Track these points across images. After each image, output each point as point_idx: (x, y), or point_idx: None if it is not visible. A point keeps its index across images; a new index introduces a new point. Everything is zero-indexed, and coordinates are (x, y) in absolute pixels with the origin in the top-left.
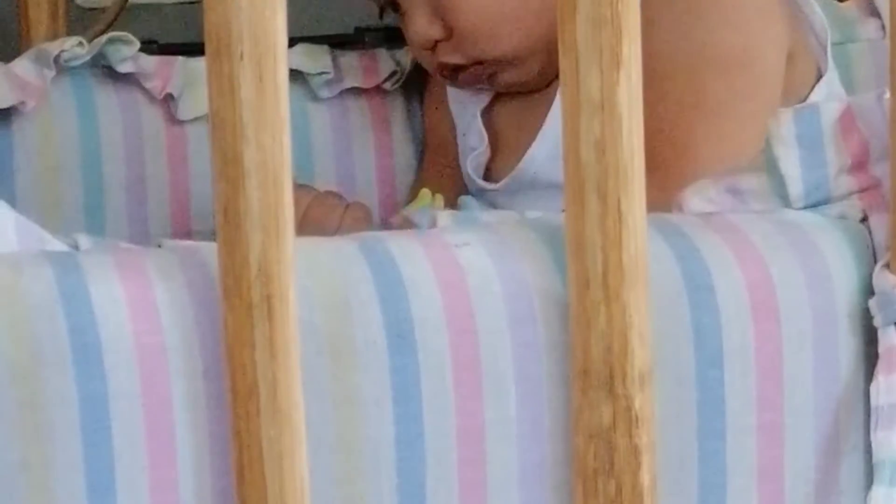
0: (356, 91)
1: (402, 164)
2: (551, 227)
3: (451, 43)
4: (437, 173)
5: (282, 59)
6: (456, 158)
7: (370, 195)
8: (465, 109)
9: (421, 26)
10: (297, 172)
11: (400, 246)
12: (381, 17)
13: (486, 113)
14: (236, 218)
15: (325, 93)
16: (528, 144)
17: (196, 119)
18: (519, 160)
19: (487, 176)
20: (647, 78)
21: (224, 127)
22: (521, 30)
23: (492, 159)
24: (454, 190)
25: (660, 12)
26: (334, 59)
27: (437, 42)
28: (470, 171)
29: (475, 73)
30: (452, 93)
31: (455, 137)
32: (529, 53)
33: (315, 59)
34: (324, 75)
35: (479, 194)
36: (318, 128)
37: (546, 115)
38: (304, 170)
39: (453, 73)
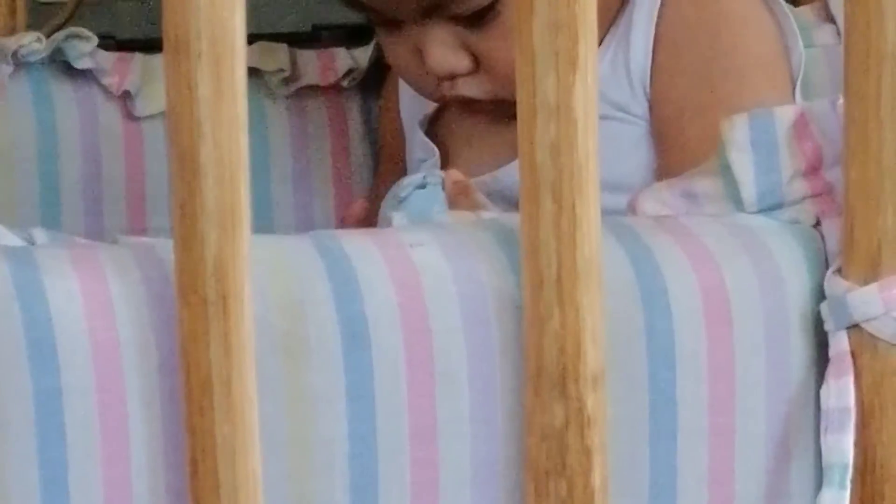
0: (313, 89)
1: (358, 162)
2: (506, 229)
3: (475, 78)
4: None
5: (240, 57)
6: (405, 164)
7: (326, 193)
8: (413, 119)
9: (445, 58)
10: (253, 170)
11: (355, 245)
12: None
13: (432, 123)
14: (192, 215)
15: (282, 90)
16: (502, 154)
17: (153, 116)
18: (492, 168)
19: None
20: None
21: (181, 125)
22: None
23: (445, 167)
24: None
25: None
26: (291, 57)
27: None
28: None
29: (486, 107)
30: (405, 102)
31: (404, 144)
32: None
33: (272, 57)
34: (281, 73)
35: None
36: (274, 126)
37: None
38: (260, 168)
39: (463, 105)
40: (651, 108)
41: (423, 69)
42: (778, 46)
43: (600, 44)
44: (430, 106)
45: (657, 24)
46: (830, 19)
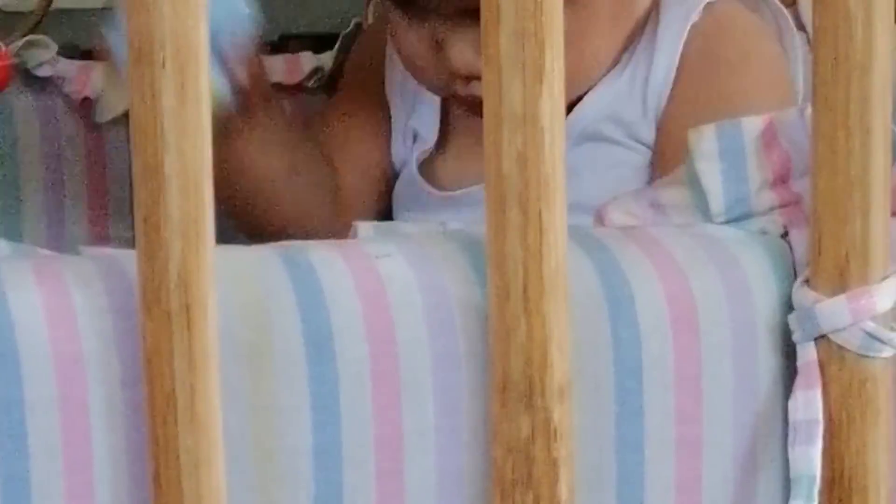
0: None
1: None
2: (472, 239)
3: None
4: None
5: (204, 67)
6: (380, 144)
7: None
8: (416, 95)
9: (470, 58)
10: None
11: (320, 256)
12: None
13: (445, 108)
14: (156, 226)
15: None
16: None
17: (114, 123)
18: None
19: (430, 178)
20: None
21: (145, 134)
22: (586, 81)
23: (441, 161)
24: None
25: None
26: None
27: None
28: (413, 167)
29: None
30: (402, 80)
31: (383, 121)
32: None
33: None
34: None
35: (415, 197)
36: None
37: None
38: None
39: (470, 106)
40: (657, 133)
41: (436, 63)
42: (791, 91)
43: (618, 61)
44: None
45: (682, 52)
46: (801, 28)
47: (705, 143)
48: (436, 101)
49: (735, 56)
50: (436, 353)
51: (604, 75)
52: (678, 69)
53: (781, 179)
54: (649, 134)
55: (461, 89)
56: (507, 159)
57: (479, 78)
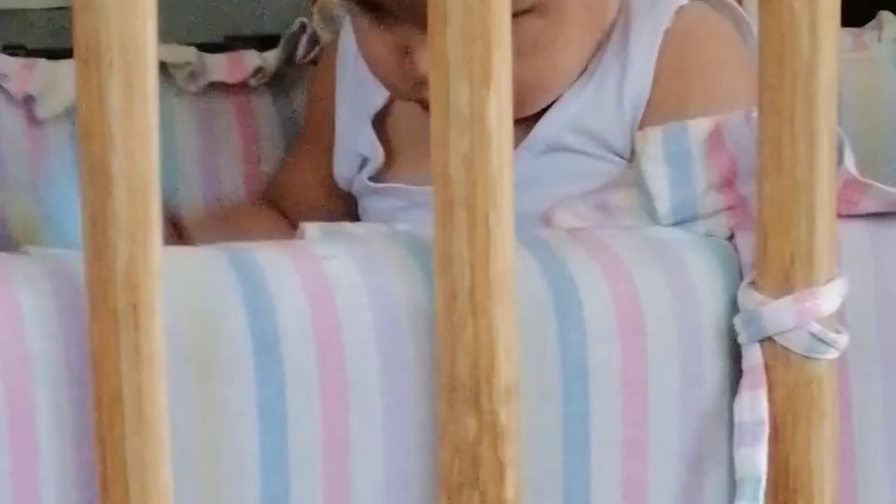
0: (221, 88)
1: (267, 164)
2: (420, 241)
3: None
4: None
5: (151, 67)
6: (328, 154)
7: (237, 196)
8: (354, 112)
9: None
10: (162, 177)
11: (268, 257)
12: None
13: (380, 119)
14: (103, 227)
15: (190, 86)
16: None
17: (56, 119)
18: None
19: (381, 180)
20: None
21: (92, 135)
22: (555, 90)
23: (389, 165)
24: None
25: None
26: (199, 57)
27: None
28: (364, 177)
29: None
30: (345, 90)
31: (331, 132)
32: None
33: (180, 53)
34: (188, 66)
35: (366, 196)
36: (182, 129)
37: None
38: (168, 172)
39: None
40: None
41: (401, 67)
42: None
43: (585, 69)
44: (379, 100)
45: (658, 58)
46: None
47: (652, 145)
48: (370, 113)
49: (713, 61)
50: (383, 355)
51: (570, 85)
52: (655, 76)
53: (728, 182)
54: (625, 143)
55: (427, 95)
56: (454, 161)
57: None
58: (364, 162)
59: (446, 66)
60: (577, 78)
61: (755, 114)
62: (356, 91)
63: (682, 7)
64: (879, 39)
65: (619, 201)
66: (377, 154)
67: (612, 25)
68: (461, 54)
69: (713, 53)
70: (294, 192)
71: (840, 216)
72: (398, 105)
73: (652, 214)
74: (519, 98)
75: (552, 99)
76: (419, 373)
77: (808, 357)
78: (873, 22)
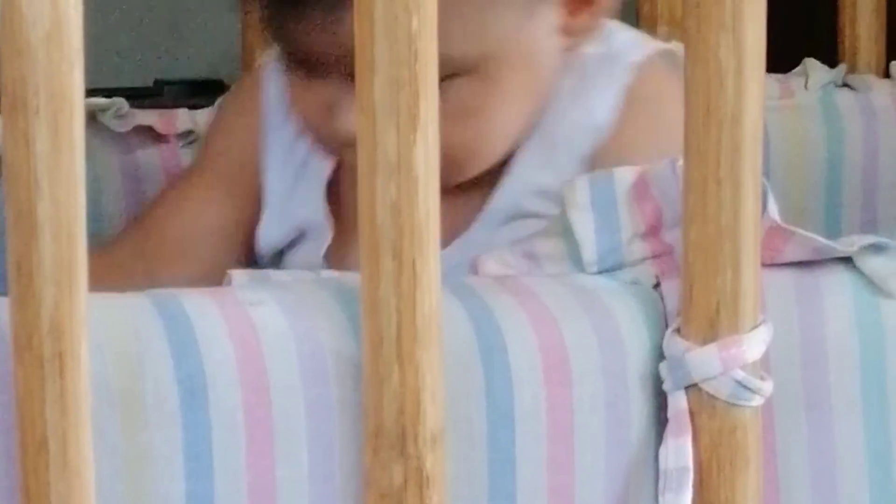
0: (148, 136)
1: None
2: (346, 287)
3: None
4: (209, 210)
5: (78, 113)
6: (235, 202)
7: None
8: (296, 178)
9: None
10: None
11: (193, 302)
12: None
13: (330, 187)
14: (29, 272)
15: (117, 126)
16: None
17: None
18: None
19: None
20: None
21: (18, 181)
22: (492, 154)
23: (339, 237)
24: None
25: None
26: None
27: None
28: (317, 253)
29: None
30: (274, 148)
31: (247, 185)
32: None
33: (110, 104)
34: (116, 107)
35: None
36: (106, 169)
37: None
38: (93, 217)
39: None
40: None
41: (328, 126)
42: None
43: (529, 136)
44: (328, 167)
45: (620, 113)
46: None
47: (578, 193)
48: (321, 181)
49: (670, 120)
50: (309, 402)
51: (514, 151)
52: (614, 132)
53: (653, 230)
54: None
55: (348, 156)
56: (381, 207)
57: None
58: (304, 234)
59: (373, 112)
60: (522, 144)
61: (681, 162)
62: (292, 151)
63: (639, 63)
64: (806, 87)
65: (546, 249)
66: (328, 232)
67: (558, 86)
68: (388, 101)
69: (671, 114)
70: (174, 232)
71: (765, 265)
72: (348, 169)
73: (578, 262)
74: (452, 163)
75: (487, 165)
76: (345, 419)
77: (732, 404)
78: (799, 68)
